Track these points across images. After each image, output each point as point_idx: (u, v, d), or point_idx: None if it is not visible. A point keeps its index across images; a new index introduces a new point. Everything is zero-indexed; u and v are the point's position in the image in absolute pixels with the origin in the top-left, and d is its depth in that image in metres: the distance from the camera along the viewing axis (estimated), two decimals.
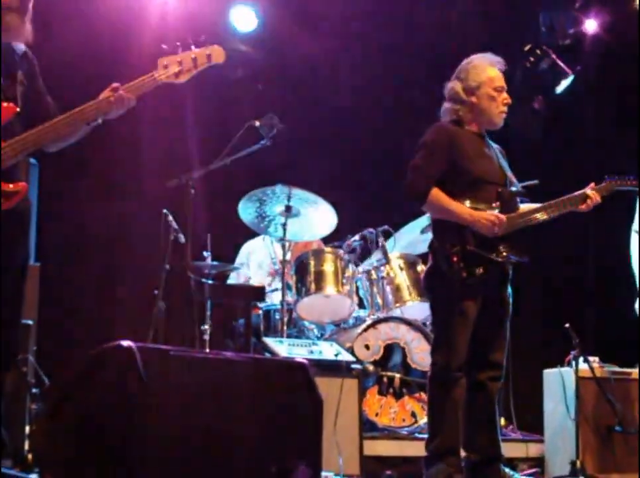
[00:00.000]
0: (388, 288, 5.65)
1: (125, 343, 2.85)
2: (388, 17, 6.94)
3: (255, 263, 6.26)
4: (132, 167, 6.46)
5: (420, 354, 5.23)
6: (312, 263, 5.56)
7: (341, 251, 5.65)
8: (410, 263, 5.74)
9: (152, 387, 2.83)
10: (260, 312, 5.67)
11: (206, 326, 5.20)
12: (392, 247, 5.74)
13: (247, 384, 3.12)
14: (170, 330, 5.26)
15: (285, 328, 5.29)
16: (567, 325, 4.82)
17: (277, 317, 5.58)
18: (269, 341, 4.94)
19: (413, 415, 5.17)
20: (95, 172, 6.42)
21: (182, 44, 3.44)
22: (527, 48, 7.13)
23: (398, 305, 5.59)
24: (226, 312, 5.68)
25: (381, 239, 5.64)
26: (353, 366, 4.85)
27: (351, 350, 5.08)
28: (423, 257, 5.49)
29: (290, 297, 5.54)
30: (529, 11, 7.13)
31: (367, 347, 5.20)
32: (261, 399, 3.13)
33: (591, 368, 4.93)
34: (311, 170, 6.66)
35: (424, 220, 5.62)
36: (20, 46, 3.39)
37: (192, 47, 3.44)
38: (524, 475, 4.96)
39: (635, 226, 5.15)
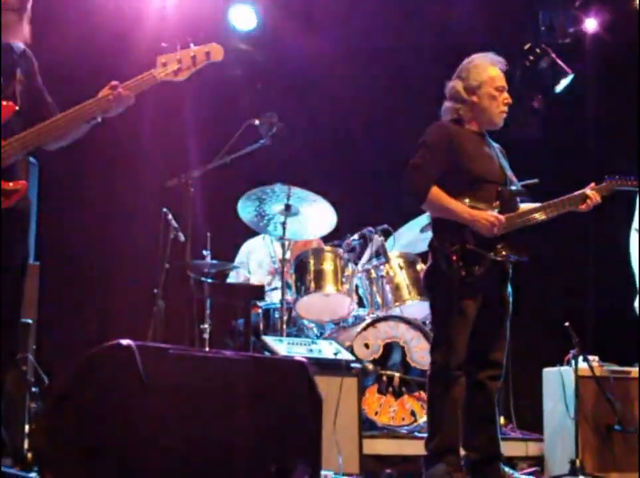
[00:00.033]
0: (387, 287, 5.66)
1: (125, 342, 2.85)
2: (388, 17, 6.94)
3: (255, 262, 6.26)
4: (132, 166, 6.46)
5: (419, 353, 5.23)
6: (311, 262, 5.56)
7: (341, 250, 5.65)
8: (410, 262, 5.73)
9: (151, 386, 2.83)
10: (260, 311, 5.66)
11: (206, 325, 5.19)
12: (392, 246, 5.74)
13: (247, 383, 3.13)
14: (170, 329, 5.26)
15: (284, 327, 5.29)
16: (566, 324, 4.82)
17: (277, 315, 5.58)
18: (269, 340, 4.95)
19: (413, 414, 5.16)
20: (95, 171, 6.43)
21: (181, 42, 3.44)
22: (527, 47, 7.13)
23: (397, 303, 5.59)
24: (225, 311, 5.67)
25: (376, 237, 5.63)
26: (352, 364, 4.86)
27: (350, 349, 5.09)
28: (422, 256, 5.50)
29: (290, 296, 5.54)
30: (529, 10, 7.14)
31: (366, 346, 5.20)
32: (260, 398, 3.13)
33: (591, 367, 4.92)
34: (311, 169, 6.65)
35: (424, 219, 5.62)
36: (19, 45, 3.39)
37: (191, 45, 3.44)
38: (524, 473, 4.95)
39: (634, 225, 5.15)
